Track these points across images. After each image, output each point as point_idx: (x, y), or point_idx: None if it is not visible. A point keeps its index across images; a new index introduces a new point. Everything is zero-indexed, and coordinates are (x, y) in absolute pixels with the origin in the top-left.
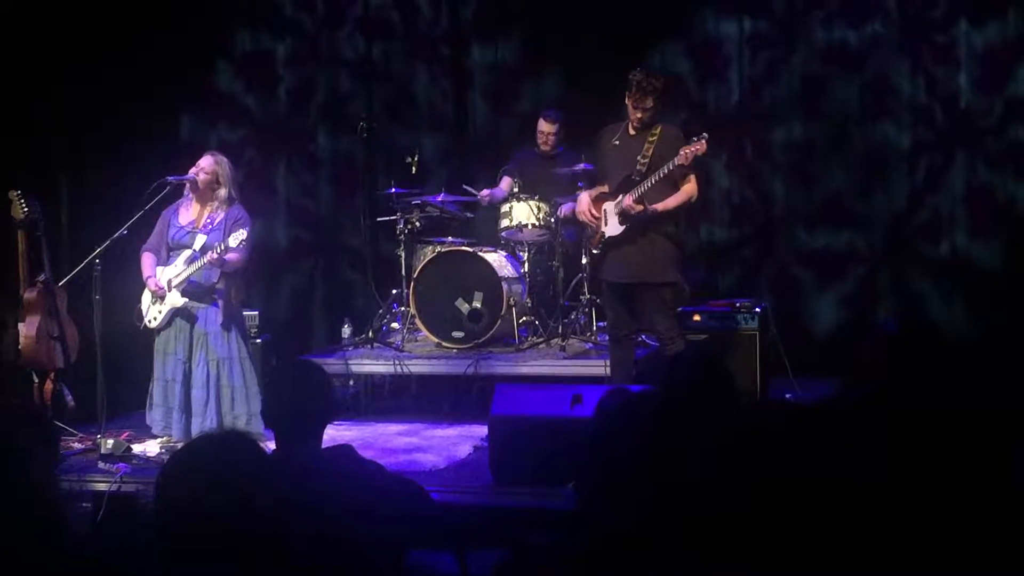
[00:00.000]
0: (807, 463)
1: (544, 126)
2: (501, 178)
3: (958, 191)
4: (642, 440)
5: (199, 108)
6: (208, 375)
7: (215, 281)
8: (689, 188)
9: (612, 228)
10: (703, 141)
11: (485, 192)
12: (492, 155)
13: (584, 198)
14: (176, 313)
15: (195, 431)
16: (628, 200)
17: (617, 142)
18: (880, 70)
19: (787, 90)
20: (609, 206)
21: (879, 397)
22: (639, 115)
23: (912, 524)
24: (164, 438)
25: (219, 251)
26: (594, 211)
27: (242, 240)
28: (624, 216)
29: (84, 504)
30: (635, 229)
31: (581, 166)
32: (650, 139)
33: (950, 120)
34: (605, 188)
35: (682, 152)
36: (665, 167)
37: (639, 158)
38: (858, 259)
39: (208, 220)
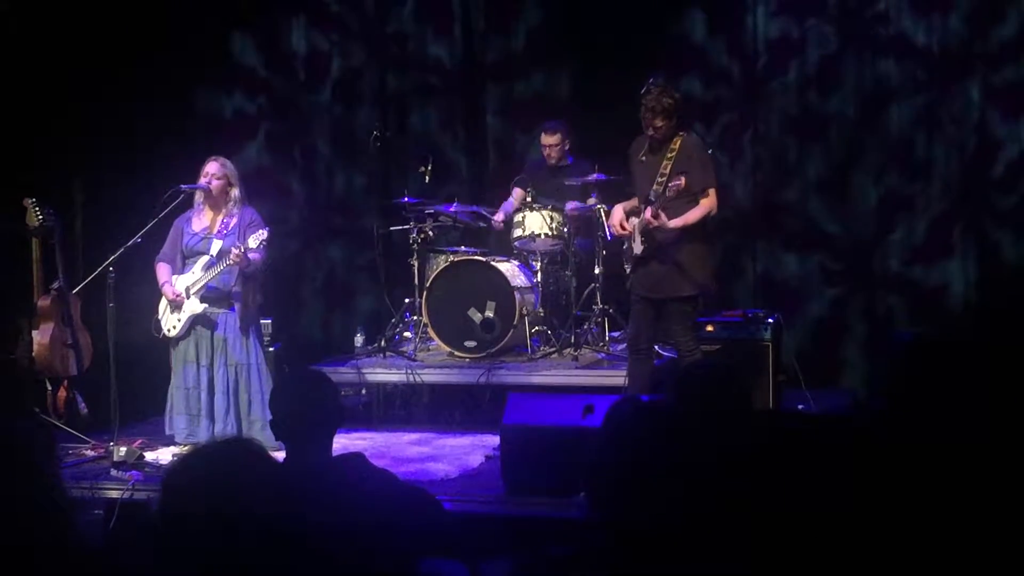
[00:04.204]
0: (815, 475)
1: (545, 139)
2: (512, 189)
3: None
4: (651, 449)
5: (217, 117)
6: (228, 380)
7: (232, 285)
8: (708, 202)
9: (637, 246)
10: (683, 179)
11: (499, 217)
12: (505, 166)
13: (618, 211)
14: (195, 320)
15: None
16: (646, 215)
17: (643, 158)
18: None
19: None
20: (636, 223)
21: (892, 413)
22: (651, 133)
23: (916, 538)
24: (184, 446)
25: (241, 251)
26: (625, 224)
27: (263, 240)
28: (645, 235)
29: (96, 511)
30: (655, 247)
31: (593, 176)
32: (668, 156)
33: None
34: (635, 201)
35: (670, 186)
36: (667, 192)
37: (657, 177)
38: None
39: (223, 225)
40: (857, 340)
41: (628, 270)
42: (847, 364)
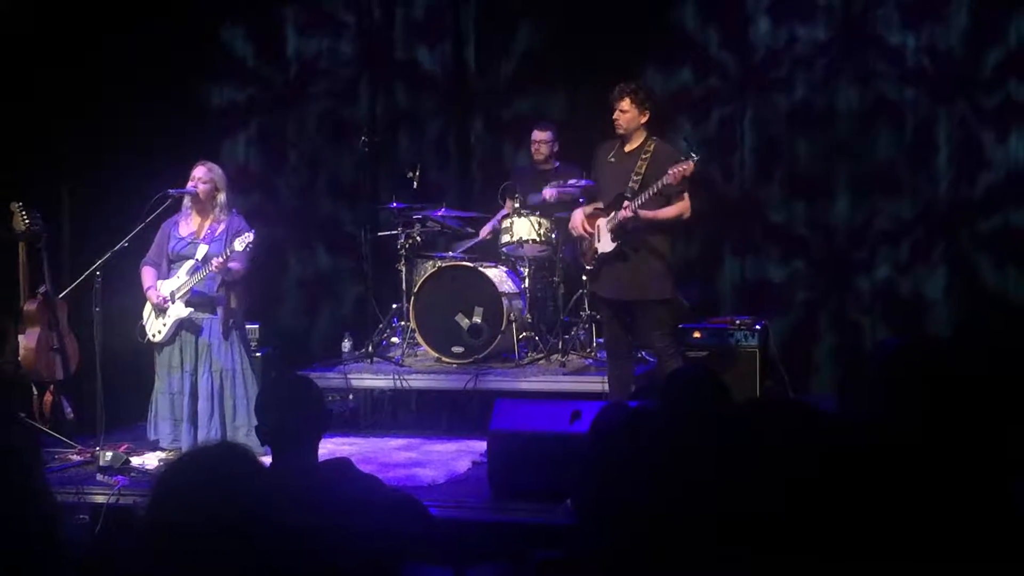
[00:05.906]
0: (808, 471)
1: (537, 134)
2: (503, 199)
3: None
4: (639, 455)
5: (202, 126)
6: (212, 386)
7: (216, 289)
8: (682, 204)
9: (605, 244)
10: (691, 162)
11: (485, 230)
12: (495, 172)
13: (578, 213)
14: (180, 325)
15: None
16: (623, 212)
17: (612, 159)
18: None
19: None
20: (602, 222)
21: (879, 418)
22: (615, 116)
23: (912, 540)
24: (168, 451)
25: (225, 257)
26: (587, 226)
27: (248, 243)
28: (616, 232)
29: (82, 516)
30: (627, 246)
31: (583, 182)
32: (643, 156)
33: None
34: (601, 204)
35: (670, 172)
36: (656, 185)
37: (632, 175)
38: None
39: (209, 230)
40: (836, 347)
41: (588, 267)
42: (824, 369)
